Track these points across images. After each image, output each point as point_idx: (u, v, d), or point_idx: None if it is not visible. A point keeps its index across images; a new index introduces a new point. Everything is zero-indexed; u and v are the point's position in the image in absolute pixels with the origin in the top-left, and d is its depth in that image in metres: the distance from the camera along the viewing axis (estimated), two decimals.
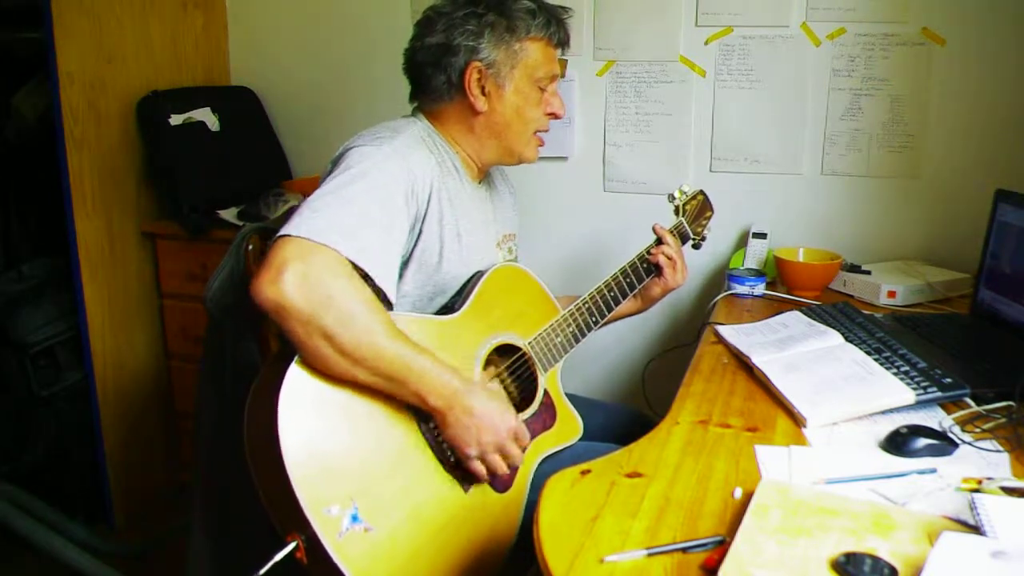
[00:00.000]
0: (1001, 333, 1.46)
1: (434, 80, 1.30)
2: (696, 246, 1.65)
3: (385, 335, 1.04)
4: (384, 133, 1.21)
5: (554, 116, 1.37)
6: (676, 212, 1.60)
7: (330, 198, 1.08)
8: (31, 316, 2.19)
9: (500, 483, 1.20)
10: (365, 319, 1.02)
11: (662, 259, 1.47)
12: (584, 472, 0.96)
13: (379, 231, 1.11)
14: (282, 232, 1.03)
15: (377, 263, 1.08)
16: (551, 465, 1.26)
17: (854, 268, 1.80)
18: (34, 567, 2.04)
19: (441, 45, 1.28)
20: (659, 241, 1.50)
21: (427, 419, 1.11)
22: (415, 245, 1.22)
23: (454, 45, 1.27)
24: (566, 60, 2.11)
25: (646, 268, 1.48)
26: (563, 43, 1.37)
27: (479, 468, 1.12)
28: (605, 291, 1.42)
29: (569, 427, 1.36)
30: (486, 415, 1.10)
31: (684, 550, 0.80)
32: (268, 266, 1.00)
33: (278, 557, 0.95)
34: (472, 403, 1.09)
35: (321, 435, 1.01)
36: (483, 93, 1.29)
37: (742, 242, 2.05)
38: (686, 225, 1.59)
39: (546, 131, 1.38)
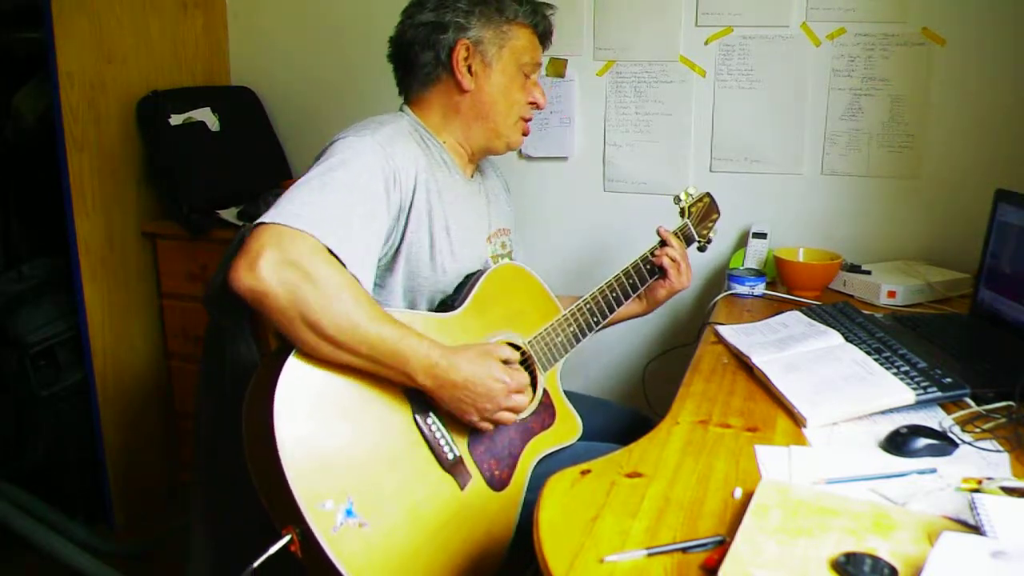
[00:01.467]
0: (1001, 333, 1.46)
1: (422, 57, 1.32)
2: (702, 249, 1.64)
3: (367, 317, 1.03)
4: (370, 126, 1.23)
5: (535, 106, 1.40)
6: (682, 214, 1.59)
7: (310, 186, 1.09)
8: (31, 316, 2.19)
9: (497, 481, 1.20)
10: (345, 302, 1.02)
11: (666, 261, 1.47)
12: (584, 472, 0.96)
13: (357, 220, 1.11)
14: (260, 220, 1.03)
15: (352, 251, 1.08)
16: (550, 465, 1.25)
17: (854, 268, 1.80)
18: (34, 567, 2.04)
19: (431, 23, 1.30)
20: (663, 243, 1.50)
21: (424, 415, 1.11)
22: (402, 237, 1.23)
23: (444, 22, 1.30)
24: (566, 60, 2.13)
25: (649, 270, 1.48)
26: (546, 35, 1.40)
27: (487, 427, 1.15)
28: (607, 291, 1.42)
29: (568, 427, 1.36)
30: (478, 383, 1.11)
31: (684, 550, 0.80)
32: (245, 253, 1.00)
33: (273, 550, 0.95)
34: (460, 377, 1.09)
35: (317, 430, 1.01)
36: (470, 72, 1.31)
37: (742, 242, 2.05)
38: (691, 227, 1.58)
39: (530, 119, 1.41)
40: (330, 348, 1.01)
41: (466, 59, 1.31)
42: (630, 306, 1.50)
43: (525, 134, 1.42)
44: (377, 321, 1.04)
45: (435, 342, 1.10)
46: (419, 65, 1.33)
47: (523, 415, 1.27)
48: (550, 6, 1.40)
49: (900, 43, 1.89)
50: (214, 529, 1.28)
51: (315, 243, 1.03)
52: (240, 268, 0.99)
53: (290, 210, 1.04)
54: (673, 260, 1.48)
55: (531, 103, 1.39)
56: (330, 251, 1.05)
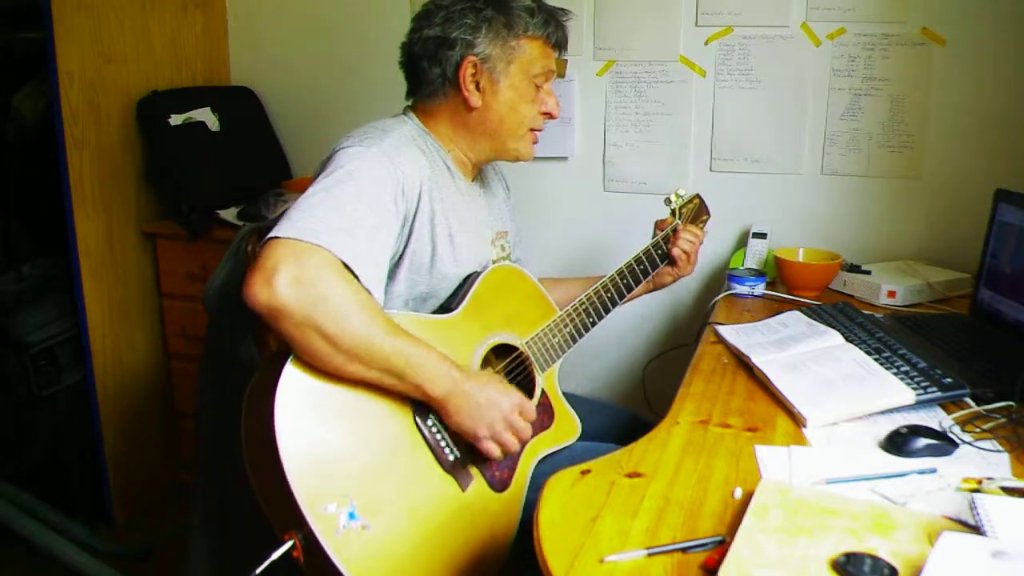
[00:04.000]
0: (1001, 333, 1.46)
1: (429, 73, 1.30)
2: None
3: (382, 331, 1.04)
4: (373, 134, 1.21)
5: (549, 116, 1.37)
6: (672, 215, 1.60)
7: (319, 199, 1.09)
8: (31, 316, 2.18)
9: (498, 482, 1.20)
10: (360, 316, 1.02)
11: (677, 251, 1.49)
12: (584, 472, 0.96)
13: (368, 233, 1.10)
14: (272, 234, 1.03)
15: (365, 265, 1.08)
16: (550, 466, 1.25)
17: (854, 268, 1.80)
18: (34, 567, 2.04)
19: (437, 38, 1.28)
20: (666, 239, 1.50)
21: (424, 417, 1.11)
22: (406, 245, 1.22)
23: (451, 38, 1.27)
24: (566, 60, 2.13)
25: (643, 270, 1.49)
26: (561, 44, 1.37)
27: (492, 448, 1.13)
28: (602, 292, 1.43)
29: (567, 427, 1.36)
30: (489, 396, 1.12)
31: (684, 550, 0.80)
32: (260, 269, 1.00)
33: (275, 556, 0.95)
34: (473, 388, 1.10)
35: (318, 433, 1.01)
36: (477, 88, 1.29)
37: (742, 242, 2.05)
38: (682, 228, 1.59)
39: (540, 130, 1.38)
40: (344, 361, 1.02)
41: (473, 75, 1.28)
42: (636, 289, 1.51)
43: (534, 143, 1.39)
44: (392, 335, 1.05)
45: (448, 356, 1.10)
46: (427, 81, 1.30)
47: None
48: (565, 12, 1.36)
49: (900, 43, 1.89)
50: (214, 529, 1.28)
51: (331, 258, 1.03)
52: (256, 284, 0.99)
53: (303, 224, 1.04)
54: (685, 252, 1.50)
55: (544, 113, 1.36)
56: (344, 265, 1.05)
